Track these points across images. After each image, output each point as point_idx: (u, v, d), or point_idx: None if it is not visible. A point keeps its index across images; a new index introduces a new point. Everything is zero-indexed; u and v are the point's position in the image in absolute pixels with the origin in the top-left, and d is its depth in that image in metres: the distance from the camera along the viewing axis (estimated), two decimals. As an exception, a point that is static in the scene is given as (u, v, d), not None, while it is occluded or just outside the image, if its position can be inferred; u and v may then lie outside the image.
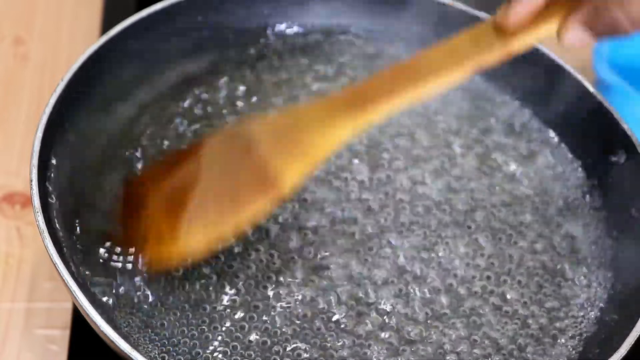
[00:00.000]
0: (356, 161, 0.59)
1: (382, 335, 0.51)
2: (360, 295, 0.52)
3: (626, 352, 0.48)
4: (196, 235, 0.50)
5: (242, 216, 0.50)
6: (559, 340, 0.52)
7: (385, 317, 0.52)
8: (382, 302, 0.52)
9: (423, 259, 0.54)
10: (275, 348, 0.50)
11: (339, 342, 0.50)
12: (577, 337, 0.53)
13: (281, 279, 0.53)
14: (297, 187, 0.50)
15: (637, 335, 0.48)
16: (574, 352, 0.52)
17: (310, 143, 0.49)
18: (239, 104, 0.62)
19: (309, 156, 0.49)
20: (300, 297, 0.52)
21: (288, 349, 0.50)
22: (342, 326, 0.51)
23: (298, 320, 0.51)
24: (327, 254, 0.54)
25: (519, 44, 0.47)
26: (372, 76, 0.51)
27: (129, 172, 0.56)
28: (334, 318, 0.51)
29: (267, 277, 0.53)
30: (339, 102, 0.50)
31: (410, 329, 0.51)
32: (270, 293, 0.52)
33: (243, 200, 0.49)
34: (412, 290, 0.53)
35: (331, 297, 0.52)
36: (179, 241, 0.50)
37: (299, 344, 0.50)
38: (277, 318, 0.51)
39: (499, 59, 0.48)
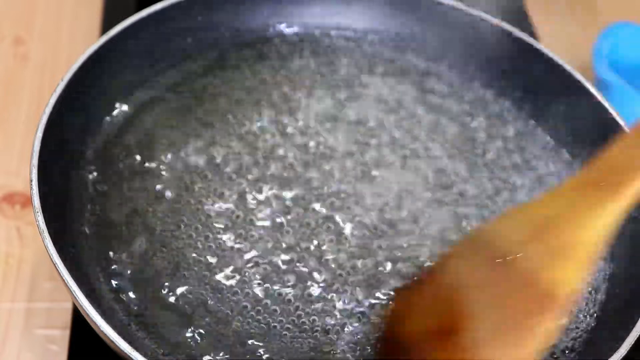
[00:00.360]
0: None
1: None
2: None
3: (626, 352, 0.48)
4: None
5: (533, 344, 0.42)
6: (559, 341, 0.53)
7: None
8: None
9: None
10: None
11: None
12: (577, 338, 0.53)
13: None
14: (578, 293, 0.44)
15: (637, 335, 0.48)
16: (574, 352, 0.52)
17: (574, 243, 0.42)
18: (239, 103, 0.62)
19: (578, 257, 0.42)
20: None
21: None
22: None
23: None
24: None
25: None
26: (607, 152, 0.44)
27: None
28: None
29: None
30: (584, 186, 0.43)
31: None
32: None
33: (528, 326, 0.42)
34: None
35: None
36: None
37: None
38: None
39: None
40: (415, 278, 0.52)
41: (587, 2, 0.86)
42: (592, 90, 0.60)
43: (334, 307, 0.51)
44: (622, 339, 0.48)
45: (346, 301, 0.52)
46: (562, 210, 0.43)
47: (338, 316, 0.51)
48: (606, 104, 0.59)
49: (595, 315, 0.54)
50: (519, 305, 0.43)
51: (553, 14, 0.82)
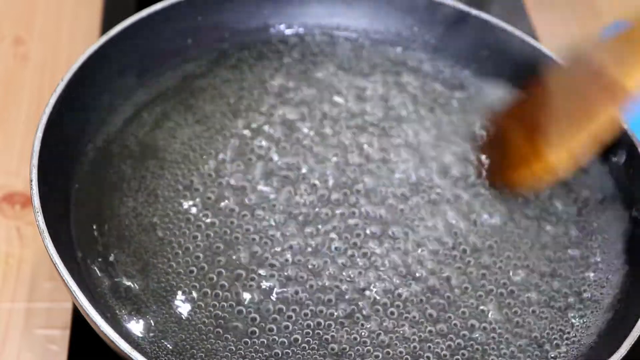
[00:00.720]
0: None
1: None
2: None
3: (626, 352, 0.48)
4: (561, 152, 0.56)
5: (598, 124, 0.54)
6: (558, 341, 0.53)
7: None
8: None
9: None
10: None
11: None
12: (577, 338, 0.53)
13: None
14: None
15: (637, 335, 0.48)
16: (574, 352, 0.52)
17: None
18: (240, 104, 0.62)
19: None
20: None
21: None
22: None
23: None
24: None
25: None
26: None
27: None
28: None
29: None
30: None
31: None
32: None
33: (595, 110, 0.55)
34: None
35: None
36: (546, 161, 0.56)
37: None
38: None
39: None
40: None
41: (587, 2, 0.86)
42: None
43: None
44: (622, 339, 0.48)
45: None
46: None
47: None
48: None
49: (594, 315, 0.54)
50: (591, 94, 0.55)
51: (553, 14, 0.82)
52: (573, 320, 0.53)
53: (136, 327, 0.50)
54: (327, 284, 0.52)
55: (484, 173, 0.59)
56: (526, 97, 0.61)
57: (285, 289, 0.52)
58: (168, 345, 0.49)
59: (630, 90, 0.53)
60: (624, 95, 0.53)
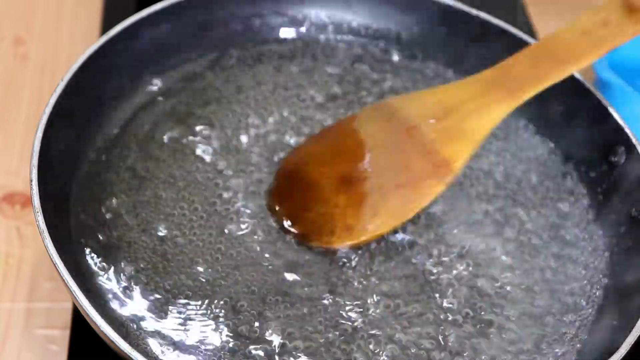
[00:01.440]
0: None
1: None
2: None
3: (626, 352, 0.48)
4: (380, 220, 0.53)
5: (423, 201, 0.53)
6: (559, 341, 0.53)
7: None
8: None
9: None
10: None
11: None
12: (576, 338, 0.53)
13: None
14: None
15: (637, 335, 0.48)
16: (574, 352, 0.52)
17: (471, 128, 0.53)
18: (240, 104, 0.62)
19: (472, 139, 0.53)
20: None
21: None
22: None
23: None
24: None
25: None
26: (513, 58, 0.54)
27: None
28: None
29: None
30: (488, 85, 0.53)
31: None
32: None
33: (422, 186, 0.53)
34: None
35: None
36: (362, 225, 0.53)
37: None
38: None
39: (629, 39, 0.50)
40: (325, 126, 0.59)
41: (587, 2, 0.86)
42: (592, 90, 0.60)
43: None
44: (622, 339, 0.48)
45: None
46: (466, 99, 0.54)
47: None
48: (606, 104, 0.59)
49: (594, 315, 0.54)
50: (416, 167, 0.53)
51: (553, 14, 0.82)
52: (573, 320, 0.53)
53: (137, 327, 0.50)
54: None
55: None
56: (327, 137, 0.58)
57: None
58: (169, 346, 0.49)
59: (455, 170, 0.53)
60: (449, 173, 0.53)
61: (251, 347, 0.49)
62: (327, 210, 0.53)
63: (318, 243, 0.53)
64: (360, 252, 0.53)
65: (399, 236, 0.54)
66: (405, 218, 0.53)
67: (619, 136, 0.58)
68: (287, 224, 0.54)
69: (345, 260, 0.53)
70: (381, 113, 0.56)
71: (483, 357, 0.51)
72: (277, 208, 0.54)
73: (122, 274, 0.52)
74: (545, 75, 0.53)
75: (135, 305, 0.50)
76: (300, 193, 0.55)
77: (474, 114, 0.53)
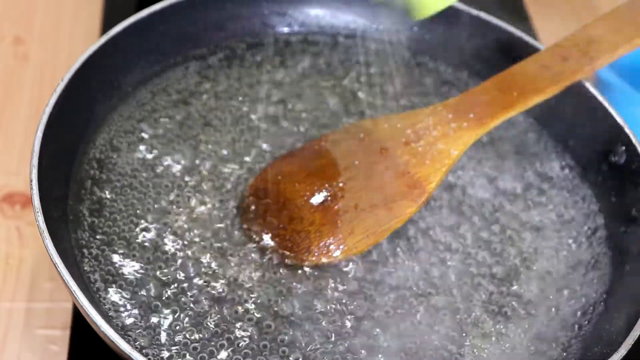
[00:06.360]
0: None
1: None
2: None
3: (626, 352, 0.48)
4: (356, 239, 0.53)
5: (397, 221, 0.53)
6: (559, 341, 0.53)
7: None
8: None
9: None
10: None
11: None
12: (576, 338, 0.53)
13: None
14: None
15: (637, 335, 0.48)
16: (574, 352, 0.52)
17: (442, 151, 0.54)
18: (240, 104, 0.62)
19: (444, 162, 0.54)
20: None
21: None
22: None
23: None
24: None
25: None
26: (480, 87, 0.57)
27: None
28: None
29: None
30: (457, 111, 0.55)
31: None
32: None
33: (397, 206, 0.53)
34: None
35: None
36: (338, 243, 0.53)
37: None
38: None
39: (587, 75, 0.53)
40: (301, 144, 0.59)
41: (587, 2, 0.86)
42: (592, 90, 0.60)
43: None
44: (622, 339, 0.48)
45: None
46: (435, 124, 0.55)
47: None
48: (606, 104, 0.59)
49: (594, 316, 0.54)
50: (391, 188, 0.54)
51: (553, 14, 0.82)
52: (573, 320, 0.53)
53: (136, 327, 0.50)
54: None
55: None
56: (300, 157, 0.58)
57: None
58: (170, 346, 0.49)
59: (429, 191, 0.54)
60: (422, 194, 0.53)
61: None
62: (302, 227, 0.54)
63: (294, 260, 0.53)
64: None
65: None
66: (381, 238, 0.54)
67: (619, 136, 0.58)
68: (264, 239, 0.54)
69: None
70: (353, 134, 0.57)
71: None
72: (250, 225, 0.54)
73: (123, 273, 0.51)
74: (510, 104, 0.55)
75: (136, 304, 0.50)
76: (275, 210, 0.55)
77: (444, 138, 0.55)
